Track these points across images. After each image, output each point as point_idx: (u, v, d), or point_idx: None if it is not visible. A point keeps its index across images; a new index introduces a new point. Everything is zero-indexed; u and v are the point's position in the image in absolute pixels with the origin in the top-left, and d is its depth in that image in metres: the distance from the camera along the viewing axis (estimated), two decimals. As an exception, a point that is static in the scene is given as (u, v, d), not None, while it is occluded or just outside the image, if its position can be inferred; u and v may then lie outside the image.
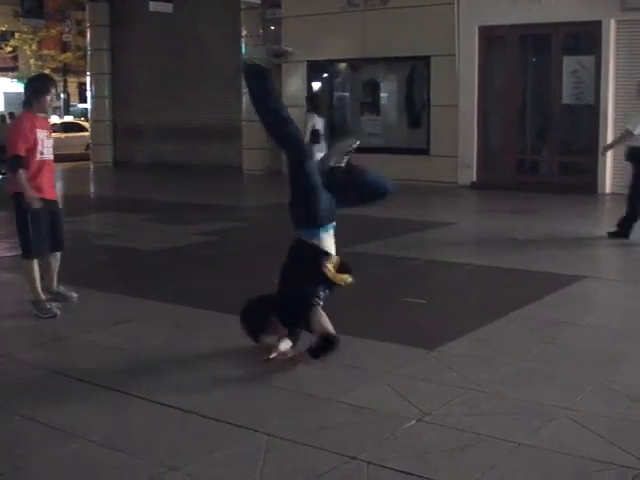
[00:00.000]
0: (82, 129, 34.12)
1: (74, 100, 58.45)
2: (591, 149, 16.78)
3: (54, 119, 39.75)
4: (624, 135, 11.28)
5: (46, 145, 7.48)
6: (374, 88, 20.75)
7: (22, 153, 7.22)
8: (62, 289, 7.81)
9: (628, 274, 9.08)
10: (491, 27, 17.70)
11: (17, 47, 46.51)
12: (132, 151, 26.48)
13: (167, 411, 5.01)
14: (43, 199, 7.35)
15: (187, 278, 9.07)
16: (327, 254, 5.88)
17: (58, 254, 7.77)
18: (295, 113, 20.54)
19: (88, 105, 30.10)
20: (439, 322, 7.19)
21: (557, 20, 16.63)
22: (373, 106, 20.86)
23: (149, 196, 17.19)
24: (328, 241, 5.97)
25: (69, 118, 43.86)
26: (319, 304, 5.80)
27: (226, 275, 9.17)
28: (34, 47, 46.26)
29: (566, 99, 17.20)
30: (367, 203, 6.63)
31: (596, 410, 4.91)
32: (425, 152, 18.97)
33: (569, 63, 17.10)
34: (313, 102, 15.31)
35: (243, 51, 22.56)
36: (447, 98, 18.27)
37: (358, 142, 6.37)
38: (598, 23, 16.33)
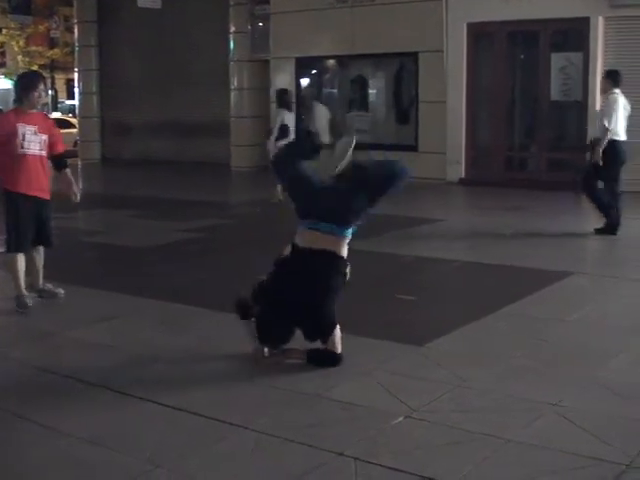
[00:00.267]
0: (70, 125, 34.00)
1: (62, 96, 58.30)
2: (579, 145, 16.78)
3: (42, 115, 39.66)
4: (604, 134, 11.21)
5: (30, 140, 7.45)
6: (362, 84, 20.73)
7: None
8: (49, 286, 7.79)
9: (616, 270, 9.09)
10: (479, 23, 17.69)
11: (4, 43, 46.41)
12: (120, 148, 26.39)
13: (155, 408, 4.99)
14: (24, 195, 7.39)
15: (174, 275, 9.04)
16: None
17: (41, 250, 7.75)
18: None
19: (76, 101, 30.00)
20: (428, 318, 7.18)
21: (545, 17, 16.63)
22: (361, 102, 20.85)
23: (137, 193, 17.14)
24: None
25: (57, 114, 43.73)
26: None
27: (213, 272, 9.15)
28: (22, 43, 46.11)
29: (554, 96, 17.21)
30: (387, 192, 6.40)
31: (584, 406, 4.92)
32: (413, 148, 18.94)
33: (557, 60, 17.10)
34: (283, 98, 15.37)
35: (231, 46, 22.54)
36: (435, 94, 18.26)
37: (354, 141, 6.31)
38: (586, 20, 16.34)
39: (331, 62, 21.12)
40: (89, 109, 27.06)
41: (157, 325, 6.89)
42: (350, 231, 5.84)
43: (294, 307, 5.60)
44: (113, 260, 10.16)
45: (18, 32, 44.61)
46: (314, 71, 21.32)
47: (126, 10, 24.74)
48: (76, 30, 27.52)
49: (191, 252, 10.44)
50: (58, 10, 44.39)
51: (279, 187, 14.91)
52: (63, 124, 35.16)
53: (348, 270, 5.77)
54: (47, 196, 7.82)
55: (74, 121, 32.33)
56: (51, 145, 7.74)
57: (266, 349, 5.76)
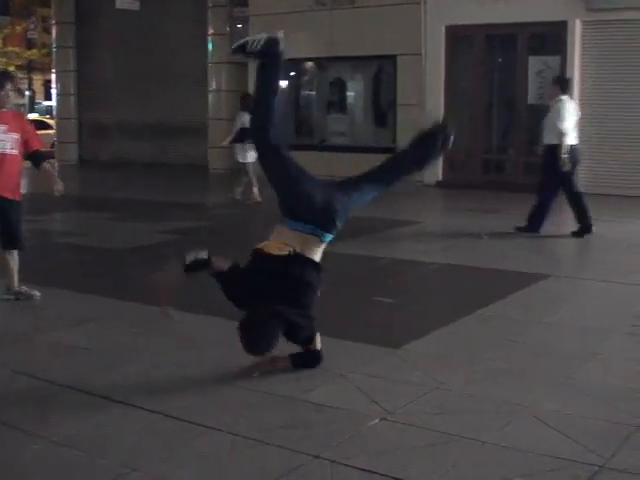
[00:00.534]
0: (47, 127, 33.85)
1: (39, 97, 58.10)
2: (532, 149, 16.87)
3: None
4: (562, 139, 11.37)
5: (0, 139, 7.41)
6: (341, 87, 20.76)
7: None
8: (24, 288, 7.74)
9: (591, 272, 9.14)
10: (458, 27, 17.76)
11: (-18, 44, 46.15)
12: (98, 149, 26.32)
13: (131, 411, 4.97)
14: None
15: (151, 277, 9.00)
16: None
17: (14, 252, 7.69)
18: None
19: (53, 103, 29.87)
20: (405, 321, 7.19)
21: (523, 20, 16.71)
22: (340, 105, 20.89)
23: (115, 194, 17.08)
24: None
25: (34, 115, 43.51)
26: None
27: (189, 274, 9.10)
28: (-1, 44, 45.89)
29: (532, 99, 17.29)
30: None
31: (559, 408, 4.94)
32: (391, 151, 18.96)
33: (535, 63, 17.20)
34: (245, 101, 15.47)
35: (210, 48, 22.52)
36: (413, 97, 18.31)
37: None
38: (564, 23, 16.44)
39: (310, 64, 21.14)
40: (66, 110, 26.97)
41: (134, 327, 6.86)
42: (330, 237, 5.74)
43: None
44: (90, 262, 10.11)
45: (-5, 33, 44.43)
46: (293, 73, 21.31)
47: (104, 11, 24.69)
48: (54, 31, 27.42)
49: (168, 254, 10.40)
50: (36, 11, 44.23)
51: (255, 189, 14.99)
52: (40, 125, 35.10)
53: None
54: (16, 197, 7.70)
55: (51, 122, 32.19)
56: (25, 143, 7.64)
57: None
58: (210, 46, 22.60)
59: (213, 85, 22.66)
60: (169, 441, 4.53)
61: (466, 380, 5.48)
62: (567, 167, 11.29)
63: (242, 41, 5.90)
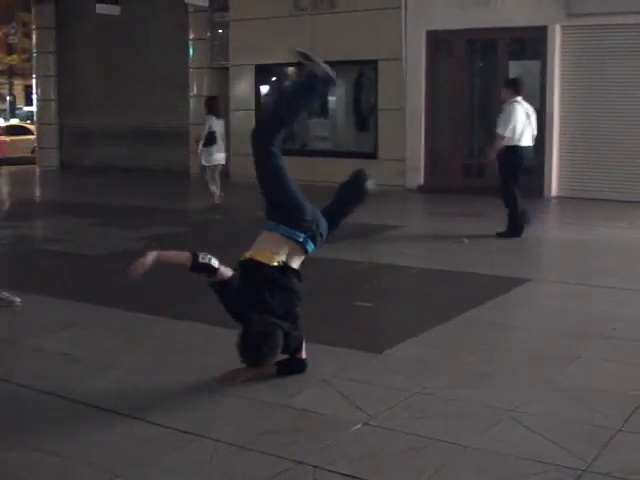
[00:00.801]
0: (28, 132, 33.75)
1: (20, 103, 57.93)
2: (537, 153, 16.93)
3: (-1, 122, 39.38)
4: (498, 140, 11.84)
5: None
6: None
7: None
8: (4, 294, 7.71)
9: (571, 276, 9.17)
10: (438, 31, 17.80)
11: (-38, 49, 45.99)
12: (79, 154, 26.22)
13: (113, 417, 4.96)
14: None
15: (134, 283, 8.98)
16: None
17: None
18: (242, 116, 20.67)
19: (34, 108, 29.78)
20: (386, 326, 7.21)
21: (503, 25, 16.77)
22: (321, 109, 20.88)
23: (96, 200, 17.03)
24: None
25: (15, 121, 43.40)
26: None
27: (173, 280, 9.08)
28: (-22, 49, 45.74)
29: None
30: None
31: (541, 412, 4.96)
32: (373, 156, 19.02)
33: (515, 68, 17.25)
34: (211, 105, 15.62)
35: (191, 53, 22.51)
36: (395, 102, 18.34)
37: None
38: (544, 28, 16.50)
39: (291, 69, 21.14)
40: (47, 116, 26.87)
41: (116, 333, 6.85)
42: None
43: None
44: (71, 268, 10.07)
45: (-25, 38, 44.28)
46: (274, 78, 21.33)
47: (85, 16, 24.62)
48: (34, 36, 27.32)
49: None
50: (16, 16, 44.08)
51: (217, 193, 15.14)
52: (21, 131, 35.07)
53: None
54: None
55: (32, 128, 32.08)
56: None
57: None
58: (191, 51, 22.58)
59: (194, 90, 22.64)
60: (152, 448, 4.52)
61: (448, 384, 5.49)
62: (489, 159, 12.07)
63: (313, 57, 6.17)
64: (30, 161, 28.62)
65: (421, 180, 18.28)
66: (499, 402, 5.10)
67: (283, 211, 5.72)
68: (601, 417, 4.87)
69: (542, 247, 11.67)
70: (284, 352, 5.52)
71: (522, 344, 6.52)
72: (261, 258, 5.50)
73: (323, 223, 5.83)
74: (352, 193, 6.40)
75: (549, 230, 13.14)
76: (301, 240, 5.65)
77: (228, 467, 4.28)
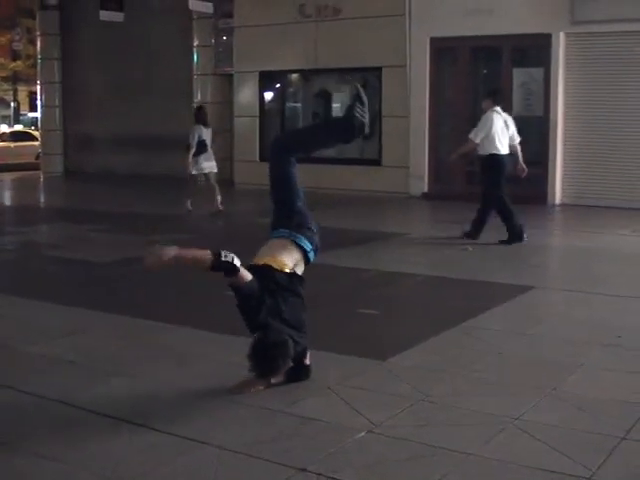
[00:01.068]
0: (32, 138, 33.80)
1: (24, 109, 58.01)
2: (541, 160, 16.96)
3: (3, 128, 39.46)
4: (467, 144, 12.28)
5: None
6: (326, 98, 20.79)
7: None
8: None
9: (575, 284, 9.17)
10: (442, 39, 17.82)
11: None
12: (83, 161, 26.27)
13: (116, 424, 4.95)
14: None
15: (137, 290, 9.00)
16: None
17: None
18: (246, 123, 20.70)
19: (38, 114, 29.83)
20: (390, 333, 7.19)
21: (507, 32, 16.80)
22: (325, 116, 20.89)
23: (100, 206, 17.05)
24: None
25: (19, 127, 43.45)
26: None
27: (176, 287, 9.11)
28: (-17, 56, 45.82)
29: (516, 111, 17.34)
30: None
31: (545, 420, 4.94)
32: (377, 163, 19.04)
33: (519, 75, 17.28)
34: (199, 115, 16.03)
35: (195, 60, 22.53)
36: (399, 109, 18.36)
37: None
38: (548, 36, 16.52)
39: (295, 76, 21.19)
40: (51, 122, 26.92)
41: (120, 340, 6.84)
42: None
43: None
44: (74, 274, 10.07)
45: (-20, 44, 44.36)
46: (278, 85, 21.36)
47: (89, 23, 24.68)
48: (39, 42, 27.37)
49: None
50: (21, 22, 44.17)
51: (189, 201, 15.38)
52: (25, 137, 35.14)
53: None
54: None
55: (36, 134, 32.13)
56: None
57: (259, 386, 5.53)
58: (195, 57, 22.61)
59: (198, 97, 22.66)
60: (155, 455, 4.51)
61: (452, 392, 5.49)
62: (453, 158, 12.65)
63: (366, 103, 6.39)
64: (34, 167, 28.67)
65: (425, 187, 18.28)
66: (503, 410, 5.09)
67: (292, 220, 5.79)
68: (605, 425, 4.85)
69: (546, 254, 11.67)
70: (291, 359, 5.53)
71: (526, 352, 6.51)
72: (275, 264, 5.54)
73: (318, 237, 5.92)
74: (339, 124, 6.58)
75: (553, 237, 13.14)
76: (308, 250, 5.74)
77: (231, 474, 4.27)
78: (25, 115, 57.33)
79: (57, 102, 26.77)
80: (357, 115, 6.21)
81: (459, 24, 17.19)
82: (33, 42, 34.71)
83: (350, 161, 19.33)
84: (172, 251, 5.19)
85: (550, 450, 4.50)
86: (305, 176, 19.49)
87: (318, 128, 6.46)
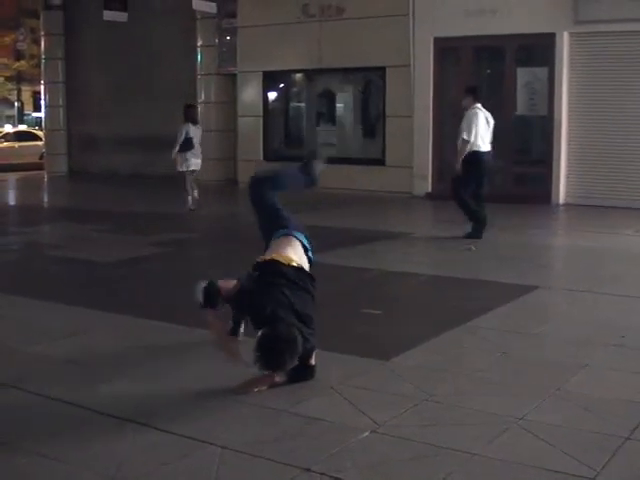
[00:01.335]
0: (36, 138, 33.83)
1: (28, 109, 58.04)
2: (545, 160, 16.96)
3: (7, 128, 39.49)
4: (463, 145, 12.27)
5: None
6: (330, 98, 20.80)
7: None
8: None
9: (579, 283, 9.15)
10: (446, 38, 17.81)
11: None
12: (87, 161, 26.28)
13: (119, 424, 4.94)
14: None
15: (140, 289, 9.00)
16: None
17: None
18: (250, 123, 20.72)
19: (42, 114, 29.85)
20: (394, 333, 7.18)
21: (511, 32, 16.79)
22: (329, 116, 20.91)
23: (103, 206, 17.07)
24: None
25: (23, 127, 43.47)
26: None
27: (180, 286, 9.09)
28: (-14, 55, 45.85)
29: (520, 110, 17.36)
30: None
31: (549, 420, 4.93)
32: (381, 162, 19.03)
33: (523, 75, 17.26)
34: (188, 113, 16.25)
35: (199, 60, 22.52)
36: (402, 109, 18.36)
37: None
38: (552, 35, 16.50)
39: (298, 76, 21.19)
40: (55, 122, 26.94)
41: (123, 340, 6.84)
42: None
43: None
44: (78, 274, 10.07)
45: (-17, 44, 44.38)
46: (281, 85, 21.36)
47: (93, 23, 24.69)
48: (42, 42, 27.40)
49: (157, 267, 10.40)
50: (24, 22, 44.21)
51: (190, 198, 15.79)
52: (29, 137, 35.16)
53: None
54: None
55: (40, 134, 32.16)
56: None
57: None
58: (199, 57, 22.61)
59: (202, 97, 22.67)
60: (158, 454, 4.51)
61: (456, 392, 5.47)
62: (458, 169, 12.21)
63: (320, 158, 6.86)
64: (38, 167, 28.70)
65: (429, 187, 18.27)
66: (507, 410, 5.08)
67: (289, 221, 6.11)
68: (609, 425, 4.84)
69: (550, 254, 11.65)
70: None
71: (530, 352, 6.49)
72: (281, 259, 5.67)
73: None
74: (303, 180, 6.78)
75: (557, 237, 13.12)
76: (308, 248, 5.94)
77: (234, 474, 4.26)
78: (29, 115, 57.36)
79: (61, 102, 26.79)
80: (314, 167, 6.74)
81: (463, 24, 17.19)
82: (37, 42, 34.77)
83: (354, 161, 19.34)
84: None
85: (554, 450, 4.48)
86: (308, 176, 19.03)
87: (289, 173, 6.69)
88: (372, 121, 20.03)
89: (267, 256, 5.73)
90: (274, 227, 6.09)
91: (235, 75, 21.60)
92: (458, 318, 7.39)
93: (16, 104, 55.67)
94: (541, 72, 17.08)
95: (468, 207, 12.27)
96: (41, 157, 29.54)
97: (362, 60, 18.96)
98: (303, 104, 21.50)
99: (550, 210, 16.14)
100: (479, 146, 12.20)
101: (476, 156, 12.20)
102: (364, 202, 17.32)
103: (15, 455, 4.51)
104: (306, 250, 5.98)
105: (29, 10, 38.73)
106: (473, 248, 11.30)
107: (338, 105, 20.81)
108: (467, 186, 12.30)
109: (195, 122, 16.12)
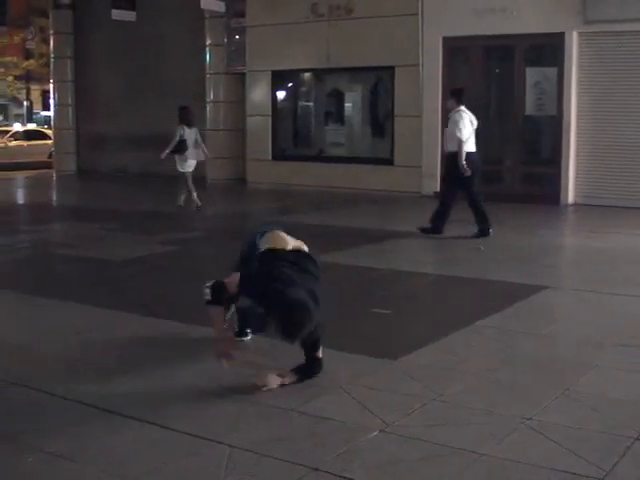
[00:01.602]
0: (45, 137, 33.89)
1: (37, 108, 58.16)
2: (554, 160, 16.92)
3: (16, 126, 39.57)
4: (460, 147, 12.29)
5: None
6: (339, 98, 20.79)
7: None
8: None
9: (588, 284, 9.12)
10: (455, 38, 17.78)
11: (-21, 54, 46.22)
12: (95, 160, 26.32)
13: (125, 422, 4.95)
14: None
15: (148, 288, 9.01)
16: None
17: None
18: (258, 122, 20.73)
19: (51, 113, 29.90)
20: (403, 332, 7.18)
21: (520, 32, 16.76)
22: (337, 116, 20.91)
23: (112, 205, 17.10)
24: None
25: (32, 126, 43.55)
26: None
27: (187, 285, 9.10)
28: (-4, 54, 45.95)
29: (529, 110, 17.33)
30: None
31: (558, 420, 4.92)
32: (389, 162, 19.01)
33: (532, 74, 17.23)
34: (183, 115, 16.37)
35: (207, 59, 22.53)
36: (411, 108, 18.34)
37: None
38: (561, 35, 16.47)
39: (307, 75, 21.18)
40: (64, 121, 26.98)
41: (130, 338, 6.84)
42: None
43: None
44: (86, 273, 10.07)
45: (-7, 42, 44.48)
46: (290, 84, 21.35)
47: (102, 22, 24.72)
48: (52, 41, 27.46)
49: (165, 265, 10.41)
50: (34, 21, 44.31)
51: (195, 194, 16.00)
52: (38, 135, 35.22)
53: None
54: None
55: (49, 132, 32.22)
56: None
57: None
58: (207, 57, 22.61)
59: (211, 96, 22.68)
60: (165, 452, 4.51)
61: (464, 392, 5.46)
62: (467, 172, 12.17)
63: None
64: (47, 166, 28.74)
65: (437, 187, 18.22)
66: (515, 410, 5.07)
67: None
68: (618, 425, 4.83)
69: (560, 254, 11.63)
70: (304, 346, 5.52)
71: (539, 352, 6.48)
72: (276, 246, 5.70)
73: None
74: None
75: (566, 237, 13.10)
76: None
77: (242, 473, 4.26)
78: (38, 114, 57.48)
79: (70, 101, 26.84)
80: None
81: (471, 23, 17.16)
82: (46, 41, 34.83)
83: (362, 160, 19.33)
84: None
85: (563, 450, 4.47)
86: (317, 175, 19.70)
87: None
88: (381, 121, 20.01)
89: (262, 248, 5.74)
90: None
91: (244, 74, 21.60)
92: (467, 318, 7.38)
93: (25, 103, 55.80)
94: (550, 72, 17.05)
95: (476, 205, 12.44)
96: (50, 156, 29.58)
97: (371, 60, 18.95)
98: (312, 103, 21.49)
99: (559, 210, 16.11)
100: (467, 147, 12.36)
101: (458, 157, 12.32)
102: (372, 202, 17.30)
103: (20, 452, 4.52)
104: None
105: (38, 9, 38.86)
106: (482, 248, 11.28)
107: (347, 104, 20.80)
108: (453, 185, 12.54)
109: (190, 124, 16.18)
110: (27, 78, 52.06)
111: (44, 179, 25.73)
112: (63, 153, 27.04)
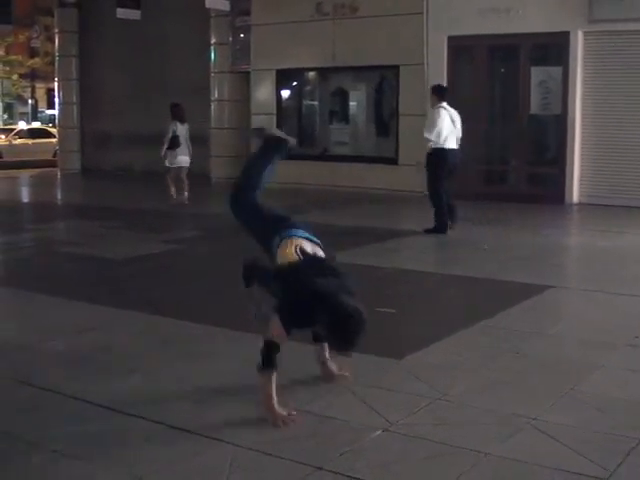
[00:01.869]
0: (50, 135, 33.92)
1: (42, 106, 58.23)
2: (558, 159, 16.90)
3: (21, 125, 39.61)
4: (427, 142, 12.73)
5: None
6: (343, 97, 20.79)
7: None
8: None
9: (594, 283, 9.11)
10: (460, 37, 17.77)
11: (-16, 52, 46.26)
12: (100, 158, 26.34)
13: (132, 421, 4.95)
14: None
15: (152, 286, 9.00)
16: None
17: None
18: (263, 121, 20.68)
19: (56, 111, 29.93)
20: (407, 332, 7.17)
21: (525, 31, 16.74)
22: (342, 115, 20.90)
23: (116, 203, 17.11)
24: None
25: (37, 124, 43.59)
26: None
27: (191, 284, 9.11)
28: (1, 52, 45.96)
29: (534, 109, 17.31)
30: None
31: (563, 420, 4.91)
32: (394, 161, 19.00)
33: (537, 74, 17.21)
34: (175, 111, 16.83)
35: (212, 58, 22.53)
36: (416, 107, 18.30)
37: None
38: (566, 34, 16.45)
39: (312, 74, 21.18)
40: (69, 119, 27.01)
41: (137, 337, 6.85)
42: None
43: None
44: (91, 271, 10.08)
45: (-2, 41, 44.52)
46: (295, 83, 21.35)
47: (107, 21, 24.75)
48: (57, 40, 27.46)
49: (170, 264, 10.41)
50: (39, 20, 44.36)
51: (185, 194, 16.49)
52: (43, 134, 35.26)
53: None
54: None
55: (54, 131, 32.24)
56: None
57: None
58: (212, 55, 22.62)
59: (215, 94, 22.68)
60: (171, 452, 4.51)
61: (469, 391, 5.46)
62: (420, 169, 12.86)
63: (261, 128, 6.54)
64: (52, 164, 28.77)
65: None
66: (520, 410, 5.06)
67: (275, 225, 5.74)
68: (623, 426, 4.82)
69: (564, 254, 11.61)
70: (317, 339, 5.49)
71: (544, 351, 6.47)
72: (282, 261, 5.29)
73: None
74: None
75: (571, 237, 13.08)
76: (304, 236, 5.57)
77: (247, 473, 4.26)
78: (43, 112, 57.54)
79: (75, 99, 26.87)
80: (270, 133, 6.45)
81: (476, 23, 17.15)
82: (51, 39, 34.84)
83: (367, 159, 19.33)
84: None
85: (567, 450, 4.47)
86: (321, 174, 19.67)
87: (254, 155, 6.40)
88: (385, 120, 20.00)
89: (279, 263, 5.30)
90: (273, 234, 5.61)
91: (249, 73, 21.60)
92: (472, 317, 7.37)
93: (30, 101, 55.88)
94: (555, 71, 17.03)
95: (439, 202, 12.63)
96: (55, 154, 29.61)
97: (375, 58, 18.94)
98: (316, 102, 21.49)
99: (564, 210, 16.10)
100: (444, 144, 12.56)
101: (442, 153, 12.59)
102: (377, 200, 17.30)
103: (31, 453, 4.52)
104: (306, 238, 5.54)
105: (44, 8, 38.82)
106: (486, 247, 11.28)
107: (351, 103, 20.80)
108: (437, 181, 12.70)
109: (182, 120, 16.62)
110: (32, 76, 52.12)
111: (48, 177, 25.75)
112: (68, 151, 27.07)
